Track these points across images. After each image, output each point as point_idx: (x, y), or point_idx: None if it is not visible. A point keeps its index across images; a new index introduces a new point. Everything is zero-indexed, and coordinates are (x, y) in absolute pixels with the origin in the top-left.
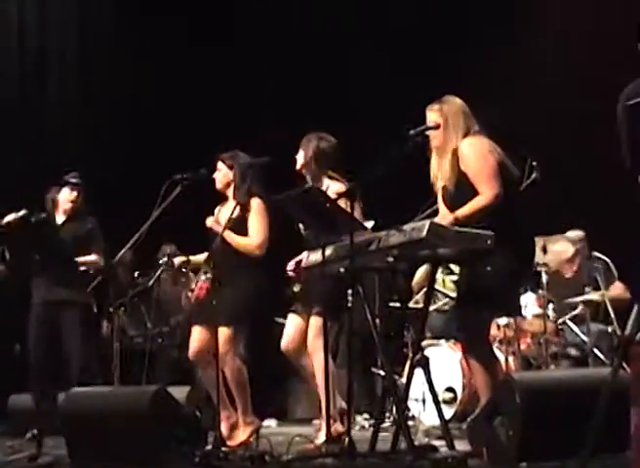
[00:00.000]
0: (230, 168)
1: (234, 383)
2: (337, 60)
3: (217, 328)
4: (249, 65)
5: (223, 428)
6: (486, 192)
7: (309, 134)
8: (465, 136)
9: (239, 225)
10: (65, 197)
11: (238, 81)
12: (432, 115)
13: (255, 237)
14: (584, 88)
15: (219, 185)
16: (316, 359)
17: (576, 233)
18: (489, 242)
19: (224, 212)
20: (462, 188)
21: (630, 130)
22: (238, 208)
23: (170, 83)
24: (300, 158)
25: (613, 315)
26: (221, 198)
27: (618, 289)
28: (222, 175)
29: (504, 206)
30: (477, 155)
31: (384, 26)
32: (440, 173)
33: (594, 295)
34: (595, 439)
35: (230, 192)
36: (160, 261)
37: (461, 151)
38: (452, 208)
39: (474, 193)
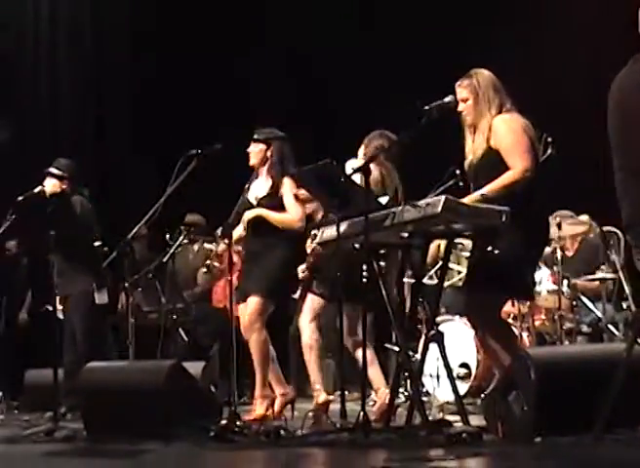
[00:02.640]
0: (268, 144)
1: (258, 355)
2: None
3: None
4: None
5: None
6: (517, 166)
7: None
8: (499, 112)
9: (272, 202)
10: (48, 188)
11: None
12: (462, 92)
13: (293, 212)
14: (588, 82)
15: (253, 161)
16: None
17: (582, 217)
18: (504, 218)
19: (254, 188)
20: (488, 165)
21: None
22: (270, 185)
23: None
24: (360, 154)
25: (628, 291)
26: (245, 173)
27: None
28: (259, 150)
29: (525, 187)
30: (511, 129)
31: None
32: (472, 150)
33: (609, 274)
34: (609, 414)
35: (264, 169)
36: (181, 229)
37: (495, 127)
38: (473, 184)
39: (499, 172)
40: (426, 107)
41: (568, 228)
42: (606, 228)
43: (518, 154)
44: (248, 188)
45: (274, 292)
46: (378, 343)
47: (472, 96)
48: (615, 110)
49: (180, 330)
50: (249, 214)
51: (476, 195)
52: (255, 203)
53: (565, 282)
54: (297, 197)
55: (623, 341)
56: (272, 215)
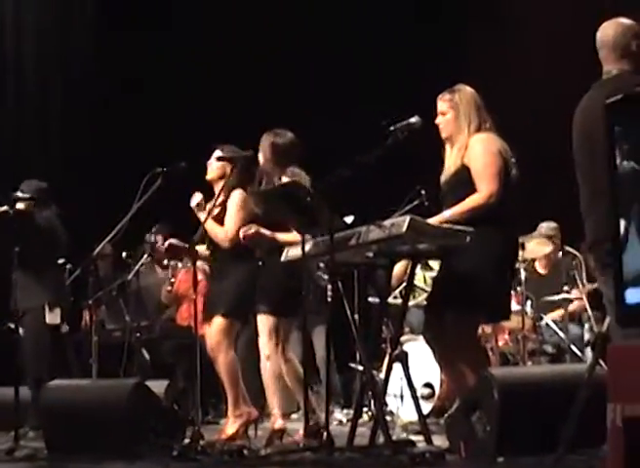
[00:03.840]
0: (232, 163)
1: (226, 376)
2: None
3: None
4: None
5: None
6: (483, 190)
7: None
8: (478, 130)
9: (223, 216)
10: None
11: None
12: (442, 105)
13: (226, 228)
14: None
15: (210, 175)
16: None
17: (549, 225)
18: (468, 238)
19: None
20: (458, 182)
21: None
22: (222, 199)
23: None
24: (260, 158)
25: (590, 312)
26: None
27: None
28: (220, 165)
29: (496, 207)
30: (486, 151)
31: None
32: (447, 165)
33: (573, 294)
34: (572, 434)
35: (219, 185)
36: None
37: (471, 145)
38: (444, 199)
39: (467, 191)
40: (392, 128)
41: (533, 249)
42: (565, 248)
43: (486, 178)
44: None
45: (238, 311)
46: (341, 362)
47: (452, 111)
48: (579, 133)
49: (144, 348)
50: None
51: (440, 217)
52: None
53: (528, 302)
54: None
55: (586, 362)
56: (213, 229)
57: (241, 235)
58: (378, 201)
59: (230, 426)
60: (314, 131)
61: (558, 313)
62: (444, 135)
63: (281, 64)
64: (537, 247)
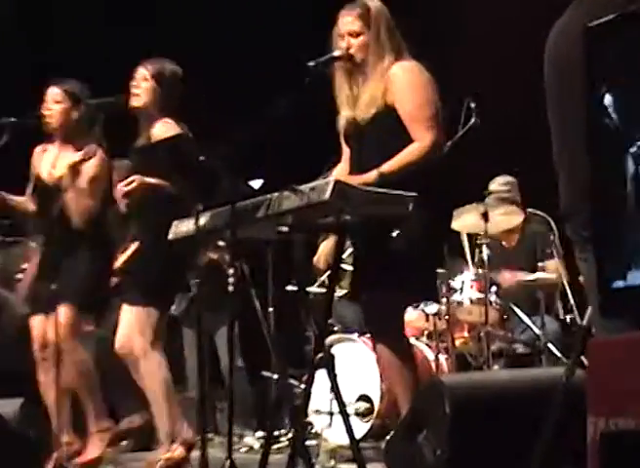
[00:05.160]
0: (76, 102)
1: (79, 379)
2: None
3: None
4: None
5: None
6: (424, 138)
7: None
8: (398, 57)
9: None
10: None
11: None
12: (352, 23)
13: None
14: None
15: (52, 122)
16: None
17: (506, 179)
18: (410, 206)
19: (47, 161)
20: (382, 128)
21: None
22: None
23: None
24: (137, 101)
25: (572, 300)
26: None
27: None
28: (62, 110)
29: (431, 165)
30: (417, 85)
31: None
32: (354, 101)
33: (549, 274)
34: (545, 455)
35: (65, 134)
36: None
37: (395, 77)
38: (355, 152)
39: (398, 139)
40: (311, 64)
41: (498, 221)
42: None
43: (424, 122)
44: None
45: (85, 296)
46: (253, 370)
47: (367, 29)
48: (552, 64)
49: None
50: None
51: (371, 175)
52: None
53: (493, 289)
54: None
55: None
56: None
57: (120, 190)
58: (295, 160)
59: (92, 446)
60: None
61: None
62: (358, 61)
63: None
64: (505, 217)
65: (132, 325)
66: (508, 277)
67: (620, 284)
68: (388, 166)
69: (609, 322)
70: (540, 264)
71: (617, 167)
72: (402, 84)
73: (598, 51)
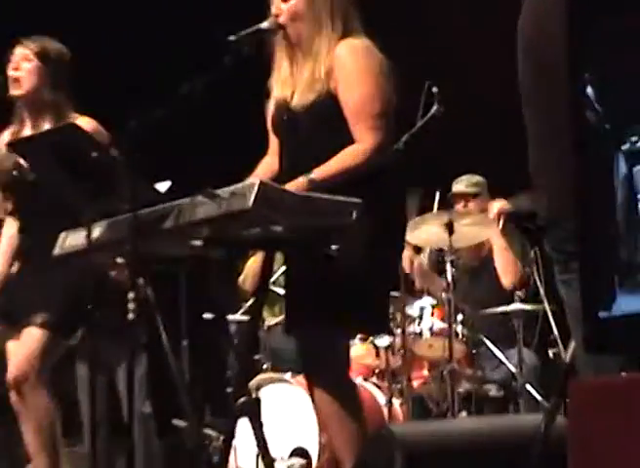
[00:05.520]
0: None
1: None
2: None
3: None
4: None
5: None
6: (365, 140)
7: None
8: (345, 34)
9: None
10: None
11: None
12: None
13: None
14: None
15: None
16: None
17: (474, 178)
18: (354, 215)
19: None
20: (323, 119)
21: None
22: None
23: None
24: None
25: (556, 332)
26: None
27: None
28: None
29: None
30: (366, 71)
31: None
32: (291, 84)
33: (528, 305)
34: None
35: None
36: None
37: (340, 58)
38: (291, 146)
39: (339, 134)
40: (233, 38)
41: (466, 233)
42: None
43: (370, 119)
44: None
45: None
46: (162, 417)
47: (304, 2)
48: (527, 46)
49: None
50: None
51: (299, 183)
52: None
53: (459, 317)
54: None
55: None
56: None
57: None
58: (213, 157)
59: None
60: None
61: None
62: (292, 36)
63: None
64: (475, 228)
65: (25, 351)
66: None
67: (608, 312)
68: (320, 172)
69: (595, 358)
70: (517, 293)
71: (605, 168)
72: (346, 68)
73: (581, 31)
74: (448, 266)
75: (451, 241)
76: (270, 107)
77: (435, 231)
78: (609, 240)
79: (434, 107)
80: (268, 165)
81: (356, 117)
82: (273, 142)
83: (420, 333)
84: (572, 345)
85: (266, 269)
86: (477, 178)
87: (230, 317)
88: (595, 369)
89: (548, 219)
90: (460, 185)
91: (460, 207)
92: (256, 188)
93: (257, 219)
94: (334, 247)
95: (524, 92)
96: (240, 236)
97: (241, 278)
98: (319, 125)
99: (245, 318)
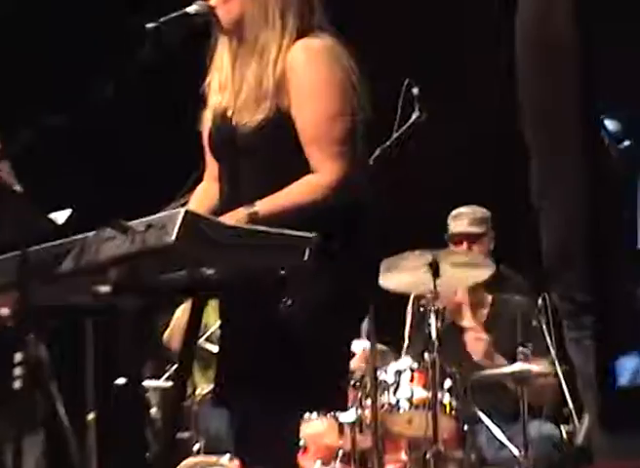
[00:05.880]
0: None
1: None
2: None
3: None
4: None
5: None
6: (324, 171)
7: None
8: (305, 31)
9: None
10: None
11: None
12: None
13: None
14: None
15: None
16: None
17: (479, 212)
18: (306, 254)
19: None
20: (275, 144)
21: None
22: None
23: None
24: None
25: (571, 404)
26: None
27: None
28: None
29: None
30: (326, 82)
31: None
32: (234, 93)
33: (535, 365)
34: None
35: None
36: None
37: (294, 63)
38: (235, 171)
39: (286, 166)
40: (152, 25)
41: (456, 275)
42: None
43: (330, 144)
44: None
45: None
46: None
47: None
48: (534, 52)
49: None
50: None
51: (241, 212)
52: None
53: (447, 383)
54: None
55: None
56: None
57: None
58: (127, 178)
59: None
60: None
61: None
62: (229, 29)
63: None
64: (466, 270)
65: None
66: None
67: (631, 380)
68: (265, 205)
69: (615, 438)
70: (520, 350)
71: (625, 195)
72: (302, 79)
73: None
74: (432, 317)
75: (435, 285)
76: (207, 120)
77: (415, 274)
78: (631, 288)
79: (415, 114)
80: (205, 193)
81: (313, 142)
82: (211, 165)
83: (397, 405)
84: (585, 423)
85: (195, 322)
86: (482, 213)
87: (149, 383)
88: (614, 450)
89: (557, 262)
90: (461, 221)
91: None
92: (180, 219)
93: (181, 259)
94: (285, 300)
95: (526, 100)
96: (160, 281)
97: (165, 334)
98: (269, 149)
99: (169, 384)
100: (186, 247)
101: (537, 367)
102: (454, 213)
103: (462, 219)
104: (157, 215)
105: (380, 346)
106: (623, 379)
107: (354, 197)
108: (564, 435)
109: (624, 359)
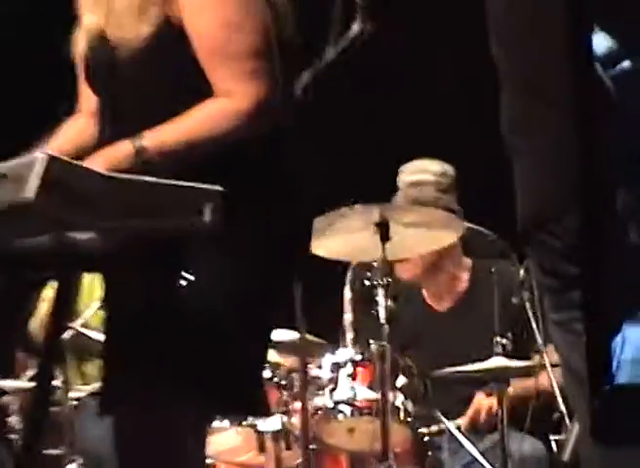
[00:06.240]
0: None
1: None
2: None
3: None
4: None
5: None
6: (237, 91)
7: None
8: None
9: None
10: None
11: None
12: None
13: None
14: None
15: None
16: None
17: (439, 167)
18: (207, 214)
19: None
20: (164, 65)
21: None
22: None
23: None
24: None
25: (563, 408)
26: None
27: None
28: None
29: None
30: None
31: None
32: (108, 7)
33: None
34: None
35: None
36: None
37: None
38: (115, 104)
39: (197, 84)
40: None
41: (411, 239)
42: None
43: (239, 59)
44: None
45: None
46: None
47: None
48: None
49: None
50: None
51: (124, 149)
52: None
53: (400, 380)
54: None
55: None
56: None
57: None
58: None
59: None
60: None
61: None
62: None
63: None
64: (426, 232)
65: None
66: None
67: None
68: (156, 138)
69: (608, 449)
70: (497, 339)
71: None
72: None
73: None
74: (380, 293)
75: (384, 251)
76: (80, 43)
77: (359, 237)
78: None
79: (355, 24)
80: (78, 130)
81: (215, 58)
82: (87, 97)
83: (334, 409)
84: (574, 430)
85: (62, 302)
86: (443, 167)
87: (6, 384)
88: (607, 464)
89: (536, 217)
90: (414, 174)
91: None
92: (41, 167)
93: (43, 221)
94: (182, 274)
95: (500, 52)
96: (15, 249)
97: (33, 321)
98: (158, 72)
99: (32, 385)
100: (49, 204)
101: (519, 362)
102: (411, 178)
103: (415, 171)
104: (12, 162)
105: (312, 338)
106: (620, 379)
107: (273, 128)
108: (553, 448)
109: (630, 329)
